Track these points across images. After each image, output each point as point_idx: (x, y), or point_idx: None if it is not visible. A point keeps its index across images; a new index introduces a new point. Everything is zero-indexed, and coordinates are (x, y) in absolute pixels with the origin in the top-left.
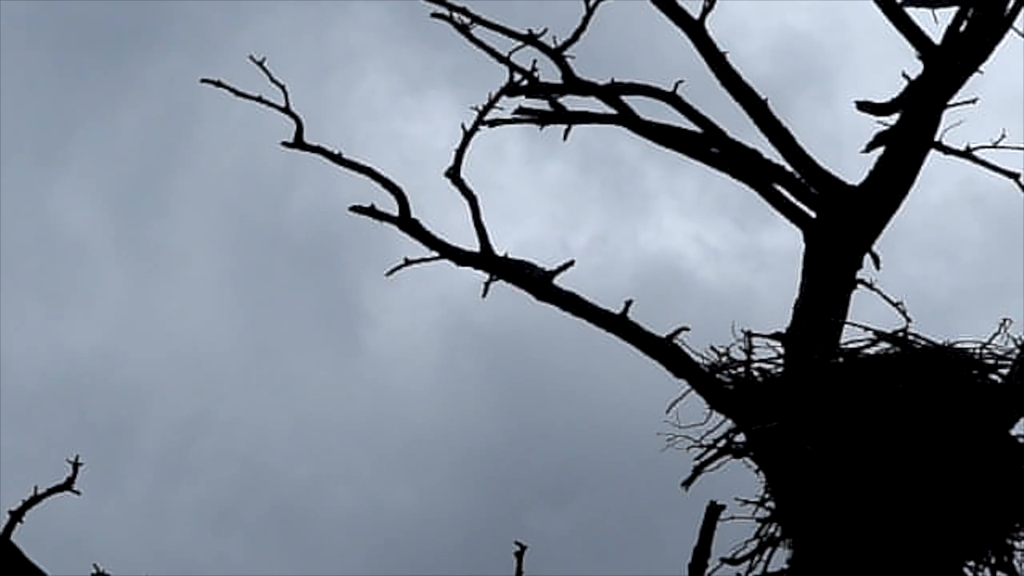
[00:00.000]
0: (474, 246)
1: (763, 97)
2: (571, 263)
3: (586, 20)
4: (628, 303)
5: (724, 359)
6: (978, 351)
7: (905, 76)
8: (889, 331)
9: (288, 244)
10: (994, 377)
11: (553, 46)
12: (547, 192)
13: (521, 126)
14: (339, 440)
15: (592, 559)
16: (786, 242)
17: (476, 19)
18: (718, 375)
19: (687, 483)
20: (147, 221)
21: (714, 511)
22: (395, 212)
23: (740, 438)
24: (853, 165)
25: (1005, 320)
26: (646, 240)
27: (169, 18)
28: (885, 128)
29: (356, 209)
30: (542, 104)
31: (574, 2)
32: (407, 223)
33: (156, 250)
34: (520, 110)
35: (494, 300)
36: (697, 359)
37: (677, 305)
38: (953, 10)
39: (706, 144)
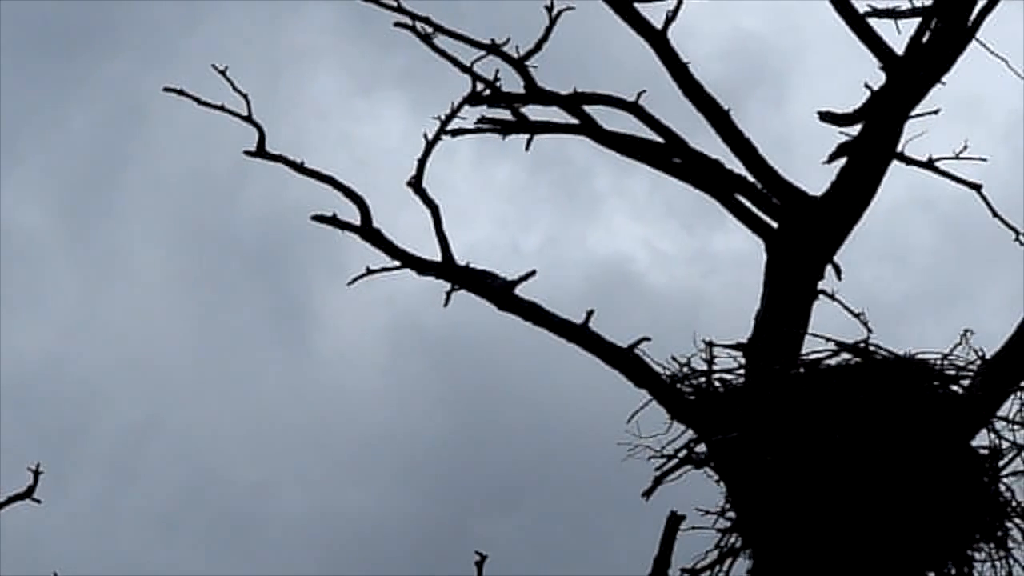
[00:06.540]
0: (428, 251)
1: (726, 107)
2: (532, 273)
3: (549, 30)
4: (589, 313)
5: (685, 369)
6: (939, 362)
7: (867, 87)
8: (850, 342)
9: (238, 247)
10: (955, 388)
11: (516, 55)
12: (497, 194)
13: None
14: (289, 443)
15: (544, 567)
16: (736, 246)
17: (439, 29)
18: (679, 385)
19: (647, 493)
20: (96, 223)
21: (675, 521)
22: (356, 220)
23: (701, 448)
24: (803, 168)
25: (966, 331)
26: (596, 242)
27: (119, 18)
28: (848, 139)
29: (318, 218)
30: (504, 113)
31: (536, 11)
32: (369, 232)
33: (105, 252)
34: (482, 120)
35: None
36: (658, 369)
37: (627, 308)
38: (916, 20)
39: (668, 154)
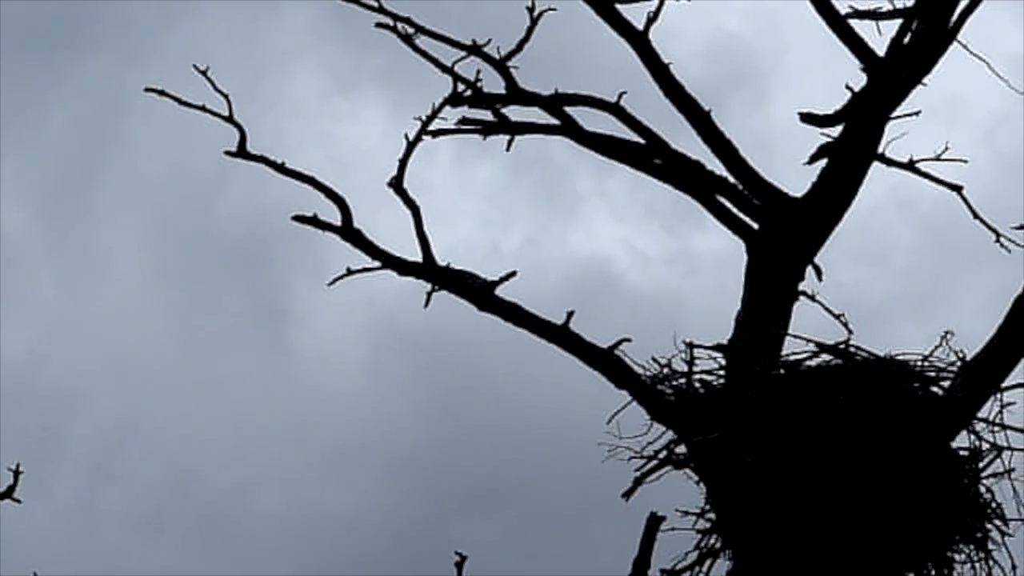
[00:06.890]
0: (409, 251)
1: (707, 108)
2: (513, 273)
3: (530, 30)
4: (570, 314)
5: (665, 370)
6: (919, 363)
7: (849, 88)
8: (831, 343)
9: (218, 247)
10: (935, 389)
11: (497, 56)
12: (477, 194)
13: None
14: (268, 444)
15: (524, 567)
16: (716, 247)
17: (420, 29)
18: (659, 386)
19: (627, 494)
20: (76, 223)
21: (654, 522)
22: (337, 221)
23: (681, 449)
24: (784, 169)
25: (947, 333)
26: (576, 243)
27: (99, 17)
28: (829, 140)
29: (299, 219)
30: (485, 114)
31: (518, 12)
32: (349, 233)
33: (85, 252)
34: (463, 120)
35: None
36: (638, 370)
37: (607, 309)
38: (897, 22)
39: (649, 155)
